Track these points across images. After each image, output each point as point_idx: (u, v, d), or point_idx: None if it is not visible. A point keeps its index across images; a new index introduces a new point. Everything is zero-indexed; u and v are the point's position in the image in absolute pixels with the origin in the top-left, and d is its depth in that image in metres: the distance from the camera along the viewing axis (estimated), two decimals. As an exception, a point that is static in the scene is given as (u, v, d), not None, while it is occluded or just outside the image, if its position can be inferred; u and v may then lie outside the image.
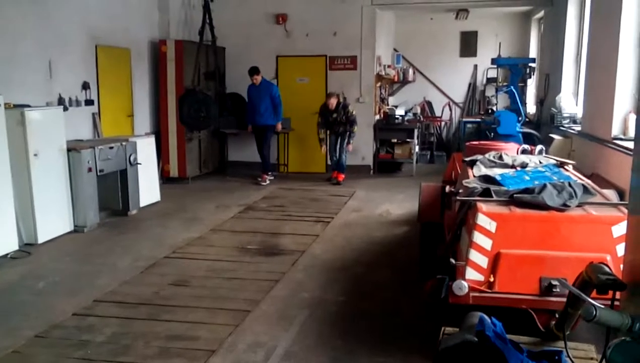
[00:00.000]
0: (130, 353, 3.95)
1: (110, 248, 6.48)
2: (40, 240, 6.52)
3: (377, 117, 11.81)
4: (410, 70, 13.70)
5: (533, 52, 12.82)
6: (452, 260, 3.75)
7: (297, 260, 5.99)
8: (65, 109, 7.62)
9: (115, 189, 7.84)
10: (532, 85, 12.03)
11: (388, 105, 12.85)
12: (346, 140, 10.21)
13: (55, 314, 4.59)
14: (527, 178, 4.44)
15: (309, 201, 8.96)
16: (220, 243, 6.63)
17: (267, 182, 10.29)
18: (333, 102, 9.92)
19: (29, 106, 6.51)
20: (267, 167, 10.47)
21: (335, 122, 10.14)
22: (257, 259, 6.06)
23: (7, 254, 6.04)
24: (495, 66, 11.84)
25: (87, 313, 4.64)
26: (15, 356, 3.94)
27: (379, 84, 11.98)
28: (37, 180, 6.47)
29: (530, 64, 11.31)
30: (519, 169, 4.90)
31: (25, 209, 6.42)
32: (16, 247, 6.17)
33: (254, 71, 10.19)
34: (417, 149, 11.75)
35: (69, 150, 6.98)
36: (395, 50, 13.72)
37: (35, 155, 6.43)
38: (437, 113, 14.07)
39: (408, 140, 11.32)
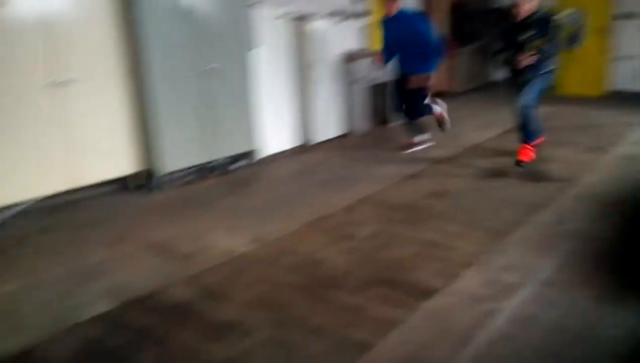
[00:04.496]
0: (393, 249, 4.23)
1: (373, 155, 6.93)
2: (318, 140, 7.43)
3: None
4: None
5: None
6: None
7: (565, 188, 5.55)
8: (341, 21, 8.04)
9: (381, 101, 8.21)
10: None
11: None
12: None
13: (328, 207, 5.17)
14: None
15: (582, 128, 8.12)
16: (477, 165, 6.49)
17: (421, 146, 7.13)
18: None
19: (311, 16, 7.05)
20: (417, 129, 7.19)
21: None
22: (520, 182, 5.79)
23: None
24: None
25: (352, 210, 5.10)
26: (293, 236, 4.56)
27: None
28: (315, 87, 7.15)
29: None
30: None
31: (306, 114, 7.24)
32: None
33: None
34: None
35: (342, 61, 7.47)
36: None
37: (314, 63, 7.05)
38: None
39: None
